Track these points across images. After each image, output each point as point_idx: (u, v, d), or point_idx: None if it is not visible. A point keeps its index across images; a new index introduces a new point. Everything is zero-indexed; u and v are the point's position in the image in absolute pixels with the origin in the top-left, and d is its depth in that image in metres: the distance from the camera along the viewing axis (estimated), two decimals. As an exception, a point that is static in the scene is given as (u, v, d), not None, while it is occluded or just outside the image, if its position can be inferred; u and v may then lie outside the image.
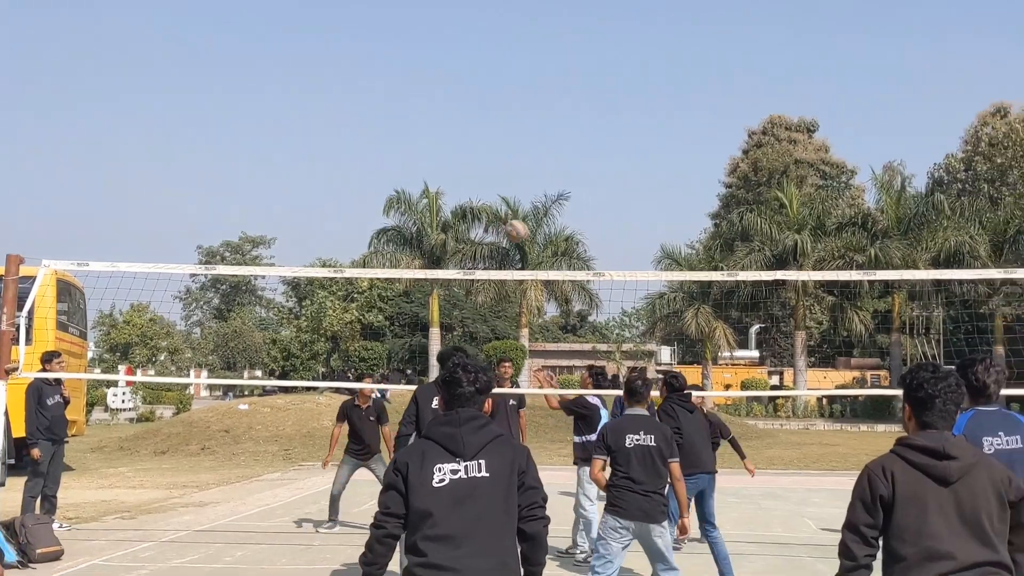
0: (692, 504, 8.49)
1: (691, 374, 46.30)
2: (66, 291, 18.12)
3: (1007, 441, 4.71)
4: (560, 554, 9.80)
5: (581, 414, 9.97)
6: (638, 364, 42.89)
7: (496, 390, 10.35)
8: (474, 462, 3.79)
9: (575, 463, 9.94)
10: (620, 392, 9.51)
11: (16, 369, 9.60)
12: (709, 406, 42.00)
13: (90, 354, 31.31)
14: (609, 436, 6.66)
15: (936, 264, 39.62)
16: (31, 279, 10.51)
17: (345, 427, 12.00)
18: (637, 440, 6.55)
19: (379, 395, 31.43)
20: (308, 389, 32.42)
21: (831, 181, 66.47)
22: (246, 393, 56.40)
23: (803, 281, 42.72)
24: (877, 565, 3.52)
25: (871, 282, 41.10)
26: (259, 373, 70.87)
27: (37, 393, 11.32)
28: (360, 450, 11.77)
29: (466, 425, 3.87)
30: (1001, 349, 38.76)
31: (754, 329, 58.84)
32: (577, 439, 10.02)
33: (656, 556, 6.68)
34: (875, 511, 3.54)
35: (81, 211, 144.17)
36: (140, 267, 10.51)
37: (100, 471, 19.30)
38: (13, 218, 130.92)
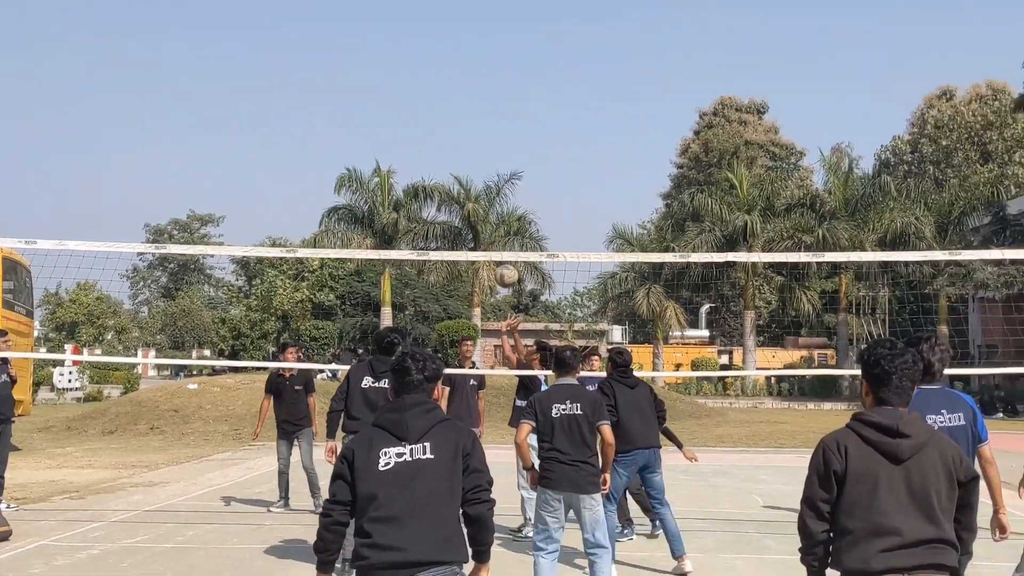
0: (639, 482, 8.56)
1: (642, 353, 46.75)
2: (12, 269, 17.85)
3: (950, 419, 4.83)
4: (512, 532, 9.81)
5: (529, 377, 10.19)
6: (589, 343, 43.11)
7: (459, 370, 10.41)
8: (419, 445, 3.86)
9: (510, 424, 10.01)
10: None
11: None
12: (659, 385, 42.26)
13: (36, 333, 30.81)
14: (537, 404, 6.77)
15: (882, 245, 40.23)
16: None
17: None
18: (563, 410, 6.64)
19: (330, 375, 31.51)
20: (258, 369, 32.21)
21: (780, 162, 67.21)
22: (195, 373, 55.91)
23: (752, 262, 43.11)
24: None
25: (819, 263, 41.60)
26: (208, 352, 70.12)
27: (-18, 373, 11.12)
28: (287, 423, 11.50)
29: (412, 410, 3.94)
30: (945, 329, 39.43)
31: (704, 309, 59.47)
32: (519, 402, 10.17)
33: (587, 527, 6.70)
34: (829, 485, 3.59)
35: (26, 189, 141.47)
36: (88, 245, 10.39)
37: (47, 451, 19.04)
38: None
